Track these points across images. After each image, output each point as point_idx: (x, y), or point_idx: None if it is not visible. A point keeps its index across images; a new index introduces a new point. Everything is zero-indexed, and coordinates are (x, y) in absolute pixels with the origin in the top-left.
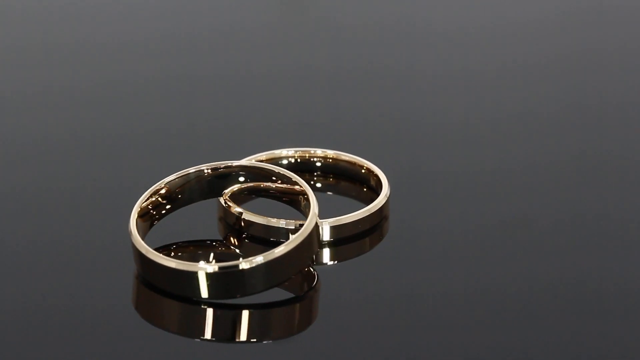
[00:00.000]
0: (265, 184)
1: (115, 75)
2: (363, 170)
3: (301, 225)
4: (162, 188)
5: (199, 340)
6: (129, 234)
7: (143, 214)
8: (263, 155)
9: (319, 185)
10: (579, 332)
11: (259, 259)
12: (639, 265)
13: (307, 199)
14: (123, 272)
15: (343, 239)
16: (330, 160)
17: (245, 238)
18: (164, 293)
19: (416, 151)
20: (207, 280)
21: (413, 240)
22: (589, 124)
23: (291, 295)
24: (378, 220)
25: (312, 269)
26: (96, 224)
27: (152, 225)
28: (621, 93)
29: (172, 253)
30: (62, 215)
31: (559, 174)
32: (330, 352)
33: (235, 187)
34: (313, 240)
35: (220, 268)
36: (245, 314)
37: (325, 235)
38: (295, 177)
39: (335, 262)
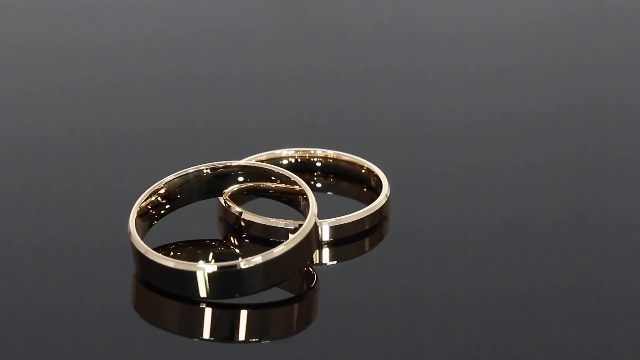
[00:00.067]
0: (264, 184)
1: (115, 75)
2: (363, 171)
3: (301, 225)
4: (161, 188)
5: (198, 340)
6: (128, 233)
7: (142, 214)
8: (263, 155)
9: (319, 185)
10: (579, 332)
11: (258, 259)
12: (639, 265)
13: (307, 199)
14: (122, 272)
15: (343, 239)
16: (331, 161)
17: (245, 238)
18: (163, 293)
19: (416, 151)
20: (206, 280)
21: (413, 240)
22: (589, 124)
23: (290, 295)
24: (378, 220)
25: (311, 269)
26: (95, 223)
27: (151, 225)
28: (621, 93)
29: (172, 253)
30: (61, 215)
31: (559, 174)
32: (330, 352)
33: (235, 187)
34: (312, 240)
35: (219, 268)
36: (244, 313)
37: (326, 236)
38: (294, 177)
39: (335, 262)
